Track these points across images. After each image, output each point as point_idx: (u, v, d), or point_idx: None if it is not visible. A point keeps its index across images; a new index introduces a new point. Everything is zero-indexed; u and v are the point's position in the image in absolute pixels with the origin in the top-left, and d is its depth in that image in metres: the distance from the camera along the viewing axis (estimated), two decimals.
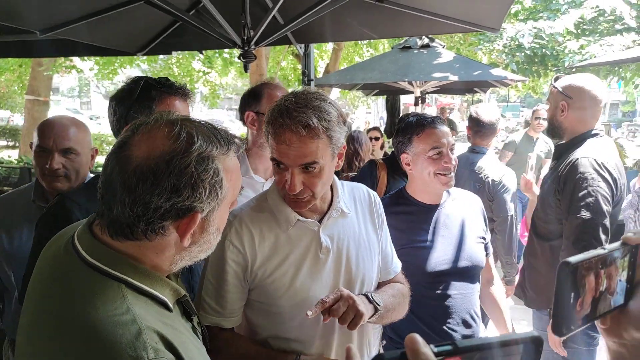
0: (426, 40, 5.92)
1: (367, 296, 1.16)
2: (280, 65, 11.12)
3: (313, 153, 1.06)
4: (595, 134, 1.91)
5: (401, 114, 6.23)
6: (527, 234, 2.66)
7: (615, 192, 1.79)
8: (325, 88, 7.71)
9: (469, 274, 1.62)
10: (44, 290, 0.76)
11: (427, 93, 7.46)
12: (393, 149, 1.74)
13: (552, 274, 1.73)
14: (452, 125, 8.00)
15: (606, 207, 1.75)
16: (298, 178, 1.08)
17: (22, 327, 0.75)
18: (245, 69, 2.58)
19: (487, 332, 2.31)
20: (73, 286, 0.73)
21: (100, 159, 1.54)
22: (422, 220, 1.63)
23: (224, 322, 1.16)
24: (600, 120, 1.97)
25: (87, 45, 2.89)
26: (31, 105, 8.78)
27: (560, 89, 1.95)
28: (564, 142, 2.01)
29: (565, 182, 1.85)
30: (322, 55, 11.39)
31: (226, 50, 8.38)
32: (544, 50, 7.61)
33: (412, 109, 7.04)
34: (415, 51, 5.86)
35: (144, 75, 1.47)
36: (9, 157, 9.21)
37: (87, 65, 9.72)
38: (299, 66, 7.76)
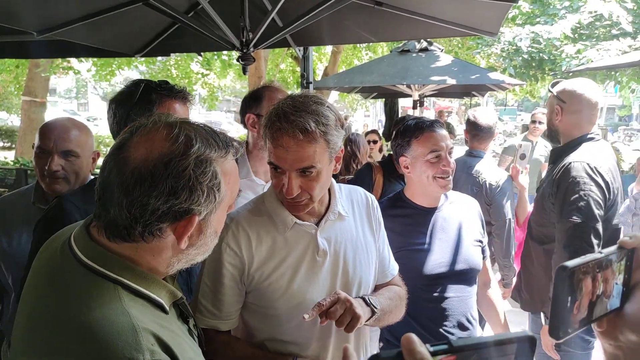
0: (425, 44, 5.95)
1: (364, 299, 1.16)
2: (279, 67, 11.14)
3: (310, 157, 1.06)
4: (591, 138, 1.91)
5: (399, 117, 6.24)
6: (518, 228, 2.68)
7: (607, 197, 1.80)
8: (324, 91, 7.73)
9: (466, 276, 1.62)
10: (40, 291, 0.76)
11: (426, 96, 7.49)
12: (390, 152, 1.75)
13: (547, 278, 1.72)
14: (450, 128, 8.02)
15: (598, 211, 1.76)
16: (295, 182, 1.08)
17: (17, 327, 0.75)
18: (244, 71, 2.58)
19: (484, 334, 2.31)
20: (69, 287, 0.72)
21: (100, 162, 1.53)
22: (419, 223, 1.63)
23: (221, 324, 1.16)
24: (596, 125, 1.98)
25: (85, 47, 2.88)
26: (28, 106, 8.75)
27: (555, 93, 1.97)
28: (559, 146, 2.02)
29: (558, 186, 1.86)
30: (321, 58, 11.43)
31: (225, 52, 8.38)
32: (541, 54, 7.65)
33: (410, 112, 7.05)
34: (414, 54, 5.89)
35: (143, 77, 1.47)
36: (5, 158, 9.18)
37: (84, 66, 9.70)
38: (298, 69, 7.78)
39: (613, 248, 0.51)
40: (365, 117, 27.15)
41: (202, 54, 7.82)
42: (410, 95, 6.67)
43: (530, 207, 2.64)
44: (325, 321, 1.04)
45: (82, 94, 33.01)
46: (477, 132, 2.70)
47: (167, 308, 0.79)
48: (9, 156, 9.74)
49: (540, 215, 2.01)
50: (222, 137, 0.80)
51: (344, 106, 21.48)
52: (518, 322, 2.77)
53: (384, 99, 9.28)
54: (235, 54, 2.62)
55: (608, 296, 0.50)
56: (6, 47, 3.25)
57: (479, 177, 2.60)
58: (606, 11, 6.89)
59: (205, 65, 9.70)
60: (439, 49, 6.19)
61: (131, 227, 0.72)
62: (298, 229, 1.17)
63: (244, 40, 2.44)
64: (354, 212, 1.27)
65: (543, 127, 3.91)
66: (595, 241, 1.74)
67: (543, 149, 4.69)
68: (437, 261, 1.58)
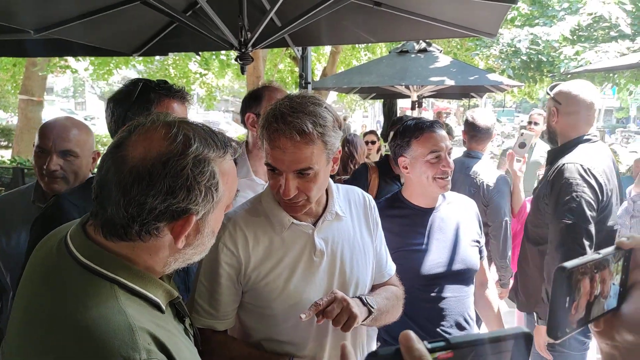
0: (423, 45, 5.96)
1: (361, 299, 1.16)
2: (277, 67, 11.14)
3: (308, 159, 1.05)
4: (588, 139, 1.91)
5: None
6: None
7: (601, 198, 1.80)
8: (323, 91, 7.73)
9: (464, 277, 1.63)
10: (36, 289, 0.76)
11: (424, 97, 7.49)
12: (386, 153, 1.75)
13: (542, 279, 1.73)
14: (448, 129, 8.04)
15: (590, 213, 1.76)
16: (292, 183, 1.08)
17: (12, 324, 0.74)
18: (242, 71, 2.58)
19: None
20: (65, 286, 0.72)
21: None
22: (417, 223, 1.63)
23: (217, 324, 1.16)
24: (594, 126, 1.98)
25: (82, 45, 2.87)
26: (25, 105, 8.72)
27: (552, 95, 1.97)
28: (556, 147, 2.03)
29: (552, 187, 1.87)
30: (319, 58, 11.43)
31: (223, 52, 8.38)
32: (540, 56, 7.67)
33: (408, 113, 7.06)
34: (413, 55, 5.89)
35: (140, 76, 1.47)
36: (2, 157, 9.14)
37: (82, 65, 9.68)
38: (296, 69, 7.78)
39: (610, 249, 0.51)
40: (364, 117, 27.17)
41: (200, 53, 7.81)
42: (408, 96, 6.68)
43: (524, 197, 2.65)
44: (322, 320, 1.03)
45: (79, 93, 32.92)
46: (475, 133, 2.71)
47: (164, 307, 0.79)
48: (5, 155, 9.71)
49: (535, 216, 2.01)
50: (220, 137, 0.80)
51: (342, 107, 21.49)
52: (514, 323, 2.78)
53: (382, 100, 9.29)
54: (233, 53, 2.62)
55: (605, 296, 0.50)
56: (3, 45, 3.24)
57: (477, 178, 2.60)
58: (606, 12, 6.91)
59: (203, 64, 9.69)
60: (438, 49, 6.19)
61: (128, 226, 0.72)
62: (295, 229, 1.17)
63: (242, 39, 2.43)
64: (352, 213, 1.27)
65: (539, 128, 3.91)
66: (586, 242, 1.74)
67: (543, 150, 4.70)
68: (434, 261, 1.58)
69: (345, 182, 2.61)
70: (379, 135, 5.76)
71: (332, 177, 1.21)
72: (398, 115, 8.92)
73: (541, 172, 3.04)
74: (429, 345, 0.39)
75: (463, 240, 1.64)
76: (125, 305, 0.70)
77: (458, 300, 1.60)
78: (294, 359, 1.13)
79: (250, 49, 2.46)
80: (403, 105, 13.17)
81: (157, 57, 9.42)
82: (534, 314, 1.97)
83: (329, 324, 1.06)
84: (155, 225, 0.73)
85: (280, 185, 1.09)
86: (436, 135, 1.57)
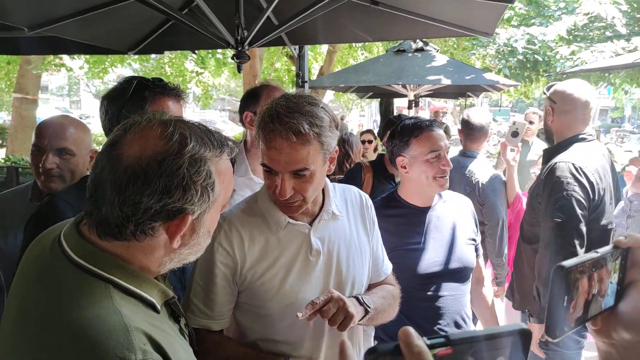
0: (420, 44, 5.97)
1: (357, 298, 1.16)
2: (274, 66, 11.12)
3: (304, 159, 1.05)
4: (583, 138, 1.92)
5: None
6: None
7: (592, 197, 1.80)
8: (319, 90, 7.72)
9: (460, 275, 1.63)
10: (30, 287, 0.75)
11: (421, 96, 7.51)
12: (380, 152, 1.75)
13: (534, 277, 1.73)
14: (445, 129, 8.07)
15: (581, 212, 1.76)
16: (289, 183, 1.07)
17: (5, 322, 0.74)
18: (239, 69, 2.57)
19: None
20: (60, 285, 0.72)
21: None
22: (413, 222, 1.64)
23: (213, 324, 1.15)
24: (590, 125, 1.99)
25: (77, 43, 2.85)
26: (19, 103, 8.66)
27: (548, 95, 1.98)
28: (551, 146, 2.04)
29: (544, 186, 1.88)
30: (316, 57, 11.41)
31: (219, 50, 8.36)
32: (536, 56, 7.71)
33: (405, 112, 7.07)
34: (410, 54, 5.90)
35: (136, 74, 1.47)
36: None
37: (76, 63, 9.63)
38: (293, 68, 7.77)
39: (608, 247, 0.51)
40: (361, 117, 27.18)
41: (196, 51, 7.79)
42: (405, 95, 6.69)
43: (518, 187, 2.66)
44: (314, 318, 1.03)
45: (74, 92, 32.73)
46: (470, 132, 2.71)
47: (159, 307, 0.78)
48: (0, 154, 9.64)
49: (530, 215, 2.02)
50: (217, 137, 0.79)
51: (339, 106, 21.48)
52: (511, 321, 2.79)
53: (379, 99, 9.30)
54: (229, 52, 2.61)
55: (603, 295, 0.50)
56: None
57: (472, 177, 2.61)
58: (602, 12, 6.95)
59: (199, 63, 9.66)
60: (435, 49, 6.21)
61: (123, 225, 0.71)
62: (291, 228, 1.16)
63: (238, 38, 2.42)
64: (348, 212, 1.27)
65: (535, 127, 3.93)
66: (577, 241, 1.75)
67: (539, 149, 4.71)
68: (431, 260, 1.58)
69: (340, 181, 2.61)
70: (376, 135, 5.77)
71: (327, 176, 1.21)
72: (394, 114, 8.94)
73: (536, 170, 3.04)
74: (429, 342, 0.39)
75: (459, 238, 1.65)
76: (120, 305, 0.69)
77: (455, 299, 1.60)
78: (289, 359, 1.12)
79: (246, 47, 2.45)
80: (400, 105, 13.20)
81: (153, 56, 9.37)
82: (526, 311, 1.98)
83: (325, 323, 1.05)
84: (150, 224, 0.72)
85: (276, 185, 1.08)
86: (435, 135, 1.57)
